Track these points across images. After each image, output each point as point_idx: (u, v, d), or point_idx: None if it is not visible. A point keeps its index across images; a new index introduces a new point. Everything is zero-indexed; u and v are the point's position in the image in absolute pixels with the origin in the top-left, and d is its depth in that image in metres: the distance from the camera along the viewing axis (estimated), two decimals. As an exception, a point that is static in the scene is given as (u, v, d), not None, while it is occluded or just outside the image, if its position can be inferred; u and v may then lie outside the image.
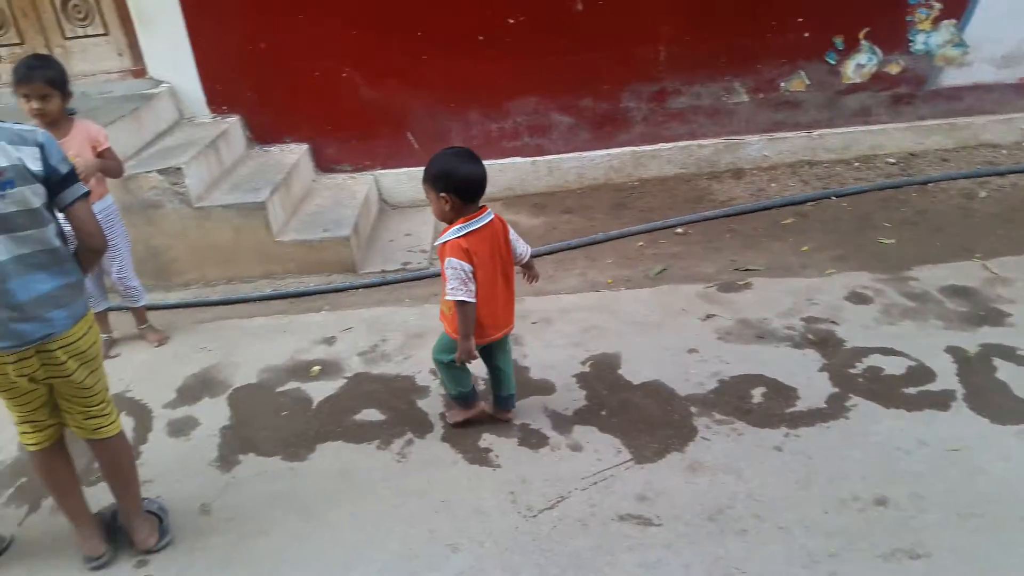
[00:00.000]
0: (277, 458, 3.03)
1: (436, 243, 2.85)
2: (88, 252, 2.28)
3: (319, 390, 3.43)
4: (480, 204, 2.71)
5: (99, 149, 3.55)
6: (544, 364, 3.44)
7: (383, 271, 4.46)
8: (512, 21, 4.95)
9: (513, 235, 2.86)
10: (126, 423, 3.30)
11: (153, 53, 5.12)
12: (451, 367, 2.93)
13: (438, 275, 4.28)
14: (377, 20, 4.94)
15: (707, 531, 2.49)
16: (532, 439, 2.97)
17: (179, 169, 4.31)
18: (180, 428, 3.28)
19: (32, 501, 2.94)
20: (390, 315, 3.98)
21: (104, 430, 2.51)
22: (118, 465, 2.59)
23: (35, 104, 3.36)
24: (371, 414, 3.23)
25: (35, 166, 2.09)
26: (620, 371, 3.33)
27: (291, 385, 3.49)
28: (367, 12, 4.92)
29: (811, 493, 2.60)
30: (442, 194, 2.63)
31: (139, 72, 5.22)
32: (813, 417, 2.95)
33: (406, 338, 3.75)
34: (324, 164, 5.37)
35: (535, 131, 5.27)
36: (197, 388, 3.54)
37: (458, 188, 2.62)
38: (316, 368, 3.58)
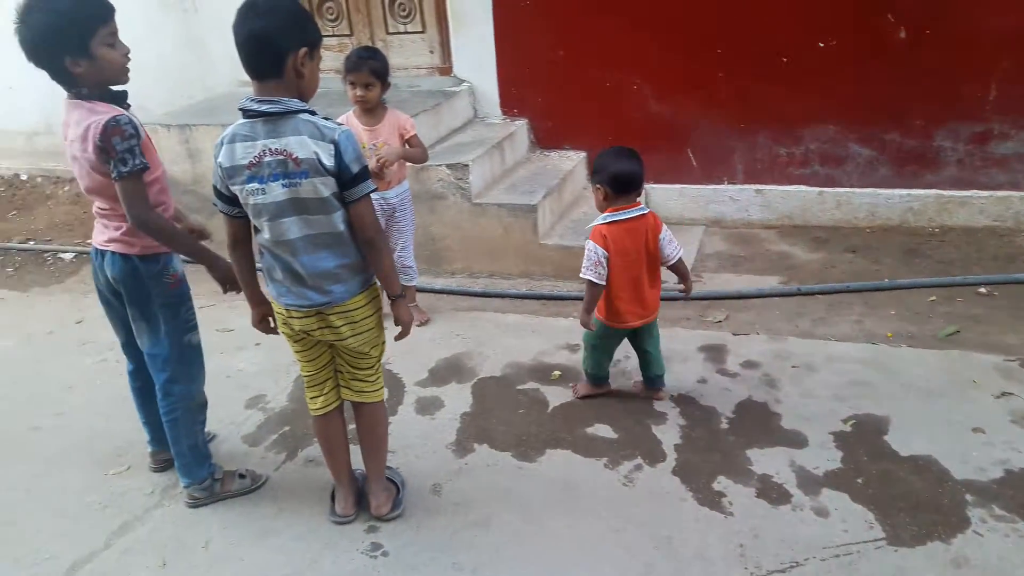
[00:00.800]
0: (508, 454, 3.06)
1: (588, 227, 3.08)
2: (363, 243, 2.43)
3: (556, 395, 3.42)
4: (636, 199, 3.03)
5: (406, 136, 3.82)
6: (799, 414, 3.16)
7: (639, 287, 4.36)
8: (823, 45, 4.65)
9: (666, 236, 3.07)
10: (379, 394, 3.53)
11: (460, 53, 5.43)
12: (595, 350, 3.24)
13: (696, 298, 4.16)
14: (679, 36, 4.87)
15: (963, 640, 2.14)
16: (772, 493, 2.74)
17: (466, 166, 4.52)
18: (426, 407, 3.42)
19: (290, 450, 3.20)
20: (640, 332, 3.88)
21: (367, 395, 2.68)
22: (372, 431, 2.75)
23: (359, 91, 3.71)
24: (603, 430, 3.16)
25: (328, 162, 2.24)
26: (886, 437, 2.98)
27: (531, 385, 3.51)
28: (671, 28, 4.86)
29: (1108, 628, 2.15)
30: (596, 185, 3.02)
31: (445, 70, 5.55)
32: (1123, 537, 2.44)
33: (653, 359, 3.64)
34: (601, 173, 5.38)
35: (827, 161, 4.90)
36: (447, 372, 3.68)
37: (610, 181, 2.97)
38: (557, 373, 3.59)
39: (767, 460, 2.91)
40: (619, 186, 2.96)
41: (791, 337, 3.75)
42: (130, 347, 2.89)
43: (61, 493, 3.04)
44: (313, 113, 2.28)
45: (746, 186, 5.10)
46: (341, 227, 2.36)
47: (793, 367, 3.50)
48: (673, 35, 4.88)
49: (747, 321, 3.94)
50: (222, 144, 2.28)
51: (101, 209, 2.62)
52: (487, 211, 4.55)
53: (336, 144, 2.24)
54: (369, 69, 3.67)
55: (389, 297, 2.55)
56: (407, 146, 3.84)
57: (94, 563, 2.68)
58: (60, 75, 2.42)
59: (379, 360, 2.68)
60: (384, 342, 2.67)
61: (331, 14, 5.73)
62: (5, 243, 5.78)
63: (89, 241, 2.76)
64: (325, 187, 2.27)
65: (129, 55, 2.49)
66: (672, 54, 4.92)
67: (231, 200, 2.36)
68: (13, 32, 2.35)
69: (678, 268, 3.15)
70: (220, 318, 4.40)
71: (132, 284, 2.67)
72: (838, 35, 4.61)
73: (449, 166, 4.52)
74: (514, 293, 4.44)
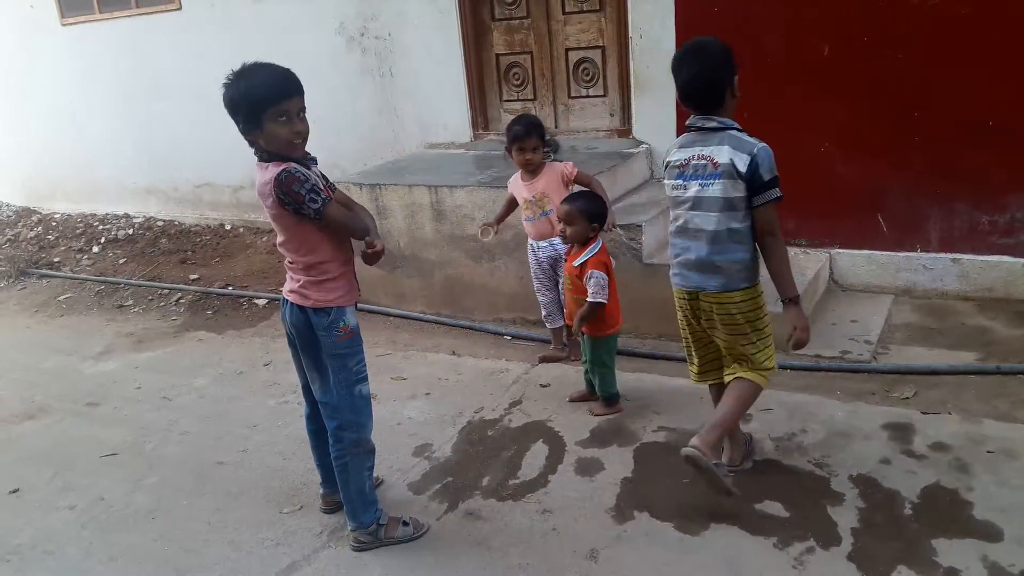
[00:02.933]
0: (670, 525, 2.95)
1: (576, 263, 3.63)
2: (761, 242, 2.85)
3: (725, 467, 3.28)
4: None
5: (571, 179, 4.11)
6: (994, 504, 2.87)
7: (817, 356, 4.11)
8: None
9: None
10: (541, 451, 3.53)
11: (640, 116, 5.45)
12: (611, 369, 3.78)
13: (882, 371, 3.89)
14: (873, 99, 4.65)
15: None
16: (963, 590, 2.48)
17: (639, 226, 4.50)
18: (586, 468, 3.38)
19: (452, 501, 3.24)
20: (815, 405, 3.67)
21: (741, 370, 2.99)
22: (730, 396, 2.98)
23: (528, 155, 4.06)
24: (774, 507, 2.98)
25: (742, 168, 2.72)
26: (1102, 540, 2.64)
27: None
28: (865, 91, 4.65)
29: None
30: (594, 224, 3.64)
31: (624, 132, 5.59)
32: None
33: (828, 434, 3.42)
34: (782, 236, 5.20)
35: (1038, 230, 4.50)
36: (609, 433, 3.63)
37: (600, 220, 3.68)
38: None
39: (955, 553, 2.65)
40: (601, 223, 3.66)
41: (987, 419, 3.42)
42: (308, 391, 3.06)
43: (238, 527, 3.23)
44: (739, 130, 2.79)
45: (941, 255, 4.75)
46: (736, 226, 2.82)
47: (988, 452, 3.19)
48: (866, 98, 4.66)
49: (938, 399, 3.64)
50: (671, 149, 2.96)
51: (289, 263, 2.83)
52: (658, 272, 4.48)
53: (753, 156, 2.72)
54: (537, 135, 4.06)
55: (781, 300, 2.89)
56: (574, 188, 4.11)
57: (263, 598, 2.82)
58: (248, 141, 2.70)
59: (759, 350, 2.95)
60: (765, 338, 2.96)
61: (516, 79, 5.95)
62: (207, 287, 6.31)
63: (281, 289, 2.97)
64: (735, 190, 2.76)
65: (300, 132, 2.68)
66: (862, 118, 4.70)
67: None
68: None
69: None
70: (395, 366, 4.59)
71: (305, 334, 2.86)
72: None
73: (622, 226, 4.50)
74: (683, 356, 4.28)
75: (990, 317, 4.44)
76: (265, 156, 2.67)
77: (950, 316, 4.51)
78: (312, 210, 2.64)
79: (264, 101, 2.59)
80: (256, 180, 2.70)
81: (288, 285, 2.86)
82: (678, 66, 2.83)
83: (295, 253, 2.77)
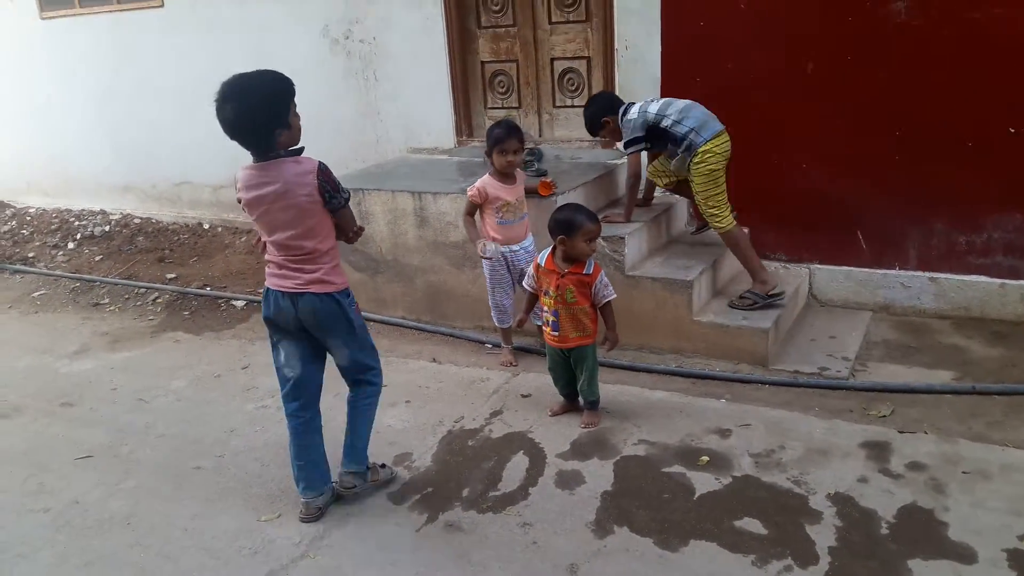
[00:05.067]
0: (649, 540, 2.96)
1: (586, 271, 3.66)
2: None
3: (703, 482, 3.29)
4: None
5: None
6: (969, 526, 2.90)
7: (796, 371, 4.16)
8: (1013, 131, 4.37)
9: None
10: (521, 462, 3.53)
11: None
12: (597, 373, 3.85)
13: (860, 389, 3.93)
14: (854, 117, 4.71)
15: None
16: (938, 611, 2.51)
17: (622, 239, 4.51)
18: (567, 481, 3.38)
19: (432, 512, 3.23)
20: (794, 421, 3.70)
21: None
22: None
23: (510, 157, 4.20)
24: (752, 524, 3.00)
25: None
26: (1074, 562, 2.68)
27: (676, 468, 3.40)
28: (846, 109, 4.72)
29: None
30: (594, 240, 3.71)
31: (607, 143, 5.58)
32: None
33: (807, 451, 3.45)
34: (759, 251, 5.20)
35: (1012, 251, 4.55)
36: (589, 446, 3.63)
37: None
38: (705, 458, 3.45)
39: (931, 574, 2.68)
40: None
41: (963, 440, 3.47)
42: (301, 384, 3.15)
43: (215, 535, 3.19)
44: None
45: (919, 273, 4.81)
46: None
47: (964, 473, 3.23)
48: (848, 117, 4.71)
49: (914, 418, 3.68)
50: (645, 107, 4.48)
51: (302, 255, 2.96)
52: (639, 284, 4.51)
53: None
54: (517, 138, 4.22)
55: None
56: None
57: (240, 608, 2.79)
58: (262, 143, 2.81)
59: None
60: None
61: (501, 87, 5.95)
62: (184, 287, 6.22)
63: (259, 290, 3.00)
64: None
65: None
66: (843, 135, 4.75)
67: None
68: (217, 110, 2.73)
69: None
70: (374, 374, 4.55)
71: (331, 319, 3.07)
72: (1031, 119, 4.34)
73: (605, 238, 4.50)
74: (663, 369, 4.33)
75: (966, 336, 4.50)
76: (282, 152, 2.84)
77: (927, 334, 4.57)
78: (343, 199, 2.95)
79: (290, 94, 2.83)
80: (266, 179, 2.83)
81: (298, 279, 2.97)
82: None
83: (314, 240, 2.95)
